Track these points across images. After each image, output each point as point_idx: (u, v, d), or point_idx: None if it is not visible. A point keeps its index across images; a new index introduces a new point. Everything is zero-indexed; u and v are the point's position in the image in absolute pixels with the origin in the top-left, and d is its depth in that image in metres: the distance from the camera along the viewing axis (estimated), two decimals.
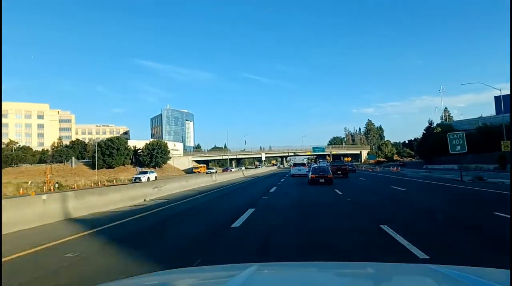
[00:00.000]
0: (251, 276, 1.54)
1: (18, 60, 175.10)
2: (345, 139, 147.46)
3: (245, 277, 1.48)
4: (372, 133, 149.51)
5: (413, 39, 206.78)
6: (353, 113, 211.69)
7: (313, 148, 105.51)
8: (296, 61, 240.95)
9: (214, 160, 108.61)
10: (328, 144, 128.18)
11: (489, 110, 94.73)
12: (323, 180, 20.98)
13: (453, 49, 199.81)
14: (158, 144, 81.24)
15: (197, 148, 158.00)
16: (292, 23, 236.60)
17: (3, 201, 7.82)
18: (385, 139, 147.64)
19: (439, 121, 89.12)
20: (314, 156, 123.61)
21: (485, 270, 1.69)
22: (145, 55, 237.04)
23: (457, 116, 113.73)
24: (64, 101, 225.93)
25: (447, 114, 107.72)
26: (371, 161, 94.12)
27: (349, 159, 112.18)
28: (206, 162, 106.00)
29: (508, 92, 47.75)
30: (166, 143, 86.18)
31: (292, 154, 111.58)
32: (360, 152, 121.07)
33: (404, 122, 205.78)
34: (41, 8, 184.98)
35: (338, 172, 29.03)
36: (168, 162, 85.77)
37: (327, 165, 36.05)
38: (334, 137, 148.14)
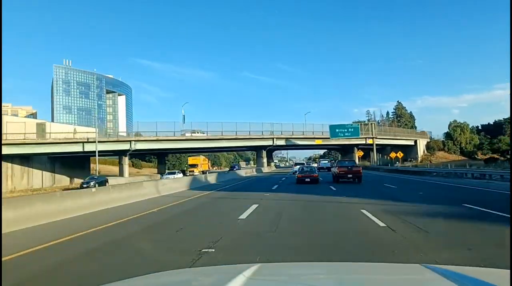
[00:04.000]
0: (252, 276, 1.54)
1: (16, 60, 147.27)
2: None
3: (246, 278, 1.48)
4: (404, 120, 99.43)
5: (413, 39, 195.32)
6: (355, 113, 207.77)
7: (332, 129, 46.67)
8: (296, 61, 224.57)
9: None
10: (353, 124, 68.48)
11: (491, 111, 61.23)
12: (308, 179, 22.16)
13: (453, 49, 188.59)
14: None
15: (136, 135, 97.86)
16: (292, 24, 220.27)
17: None
18: (418, 130, 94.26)
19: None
20: (328, 148, 65.39)
21: (485, 270, 1.73)
22: (144, 55, 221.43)
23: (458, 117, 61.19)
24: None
25: None
26: None
27: (400, 154, 53.84)
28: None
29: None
30: None
31: (283, 142, 52.09)
32: (415, 141, 63.21)
33: None
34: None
35: (349, 175, 22.91)
36: None
37: (330, 165, 40.59)
38: (355, 122, 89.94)
